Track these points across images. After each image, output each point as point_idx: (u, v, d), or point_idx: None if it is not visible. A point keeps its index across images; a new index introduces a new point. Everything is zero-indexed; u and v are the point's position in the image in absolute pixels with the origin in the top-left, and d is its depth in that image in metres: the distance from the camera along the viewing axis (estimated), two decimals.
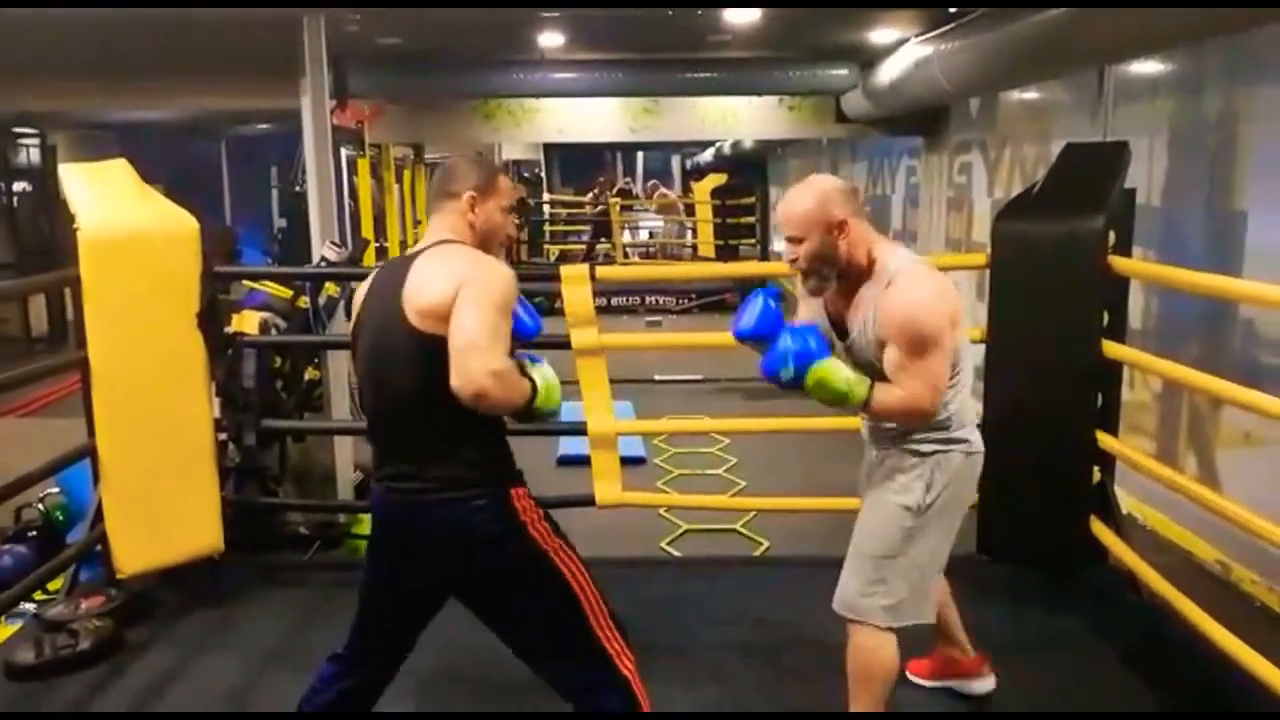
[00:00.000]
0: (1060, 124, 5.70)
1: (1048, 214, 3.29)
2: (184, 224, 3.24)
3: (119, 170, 3.23)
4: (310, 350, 4.15)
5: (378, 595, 2.05)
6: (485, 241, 2.01)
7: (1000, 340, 3.39)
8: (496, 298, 1.84)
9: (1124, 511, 3.40)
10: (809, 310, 2.31)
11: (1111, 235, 3.14)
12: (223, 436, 3.54)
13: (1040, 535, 3.35)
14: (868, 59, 6.92)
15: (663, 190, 16.64)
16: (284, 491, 4.06)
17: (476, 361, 1.76)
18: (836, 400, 2.10)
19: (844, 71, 7.22)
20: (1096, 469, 3.27)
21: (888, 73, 6.54)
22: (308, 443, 4.23)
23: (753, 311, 2.19)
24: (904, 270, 2.10)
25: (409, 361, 1.88)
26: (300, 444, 4.20)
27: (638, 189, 16.52)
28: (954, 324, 2.09)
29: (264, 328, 3.81)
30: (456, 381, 1.77)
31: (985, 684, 2.68)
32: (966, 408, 2.25)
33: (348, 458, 4.32)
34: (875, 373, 2.13)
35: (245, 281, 4.28)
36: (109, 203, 3.09)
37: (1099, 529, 3.23)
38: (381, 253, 8.57)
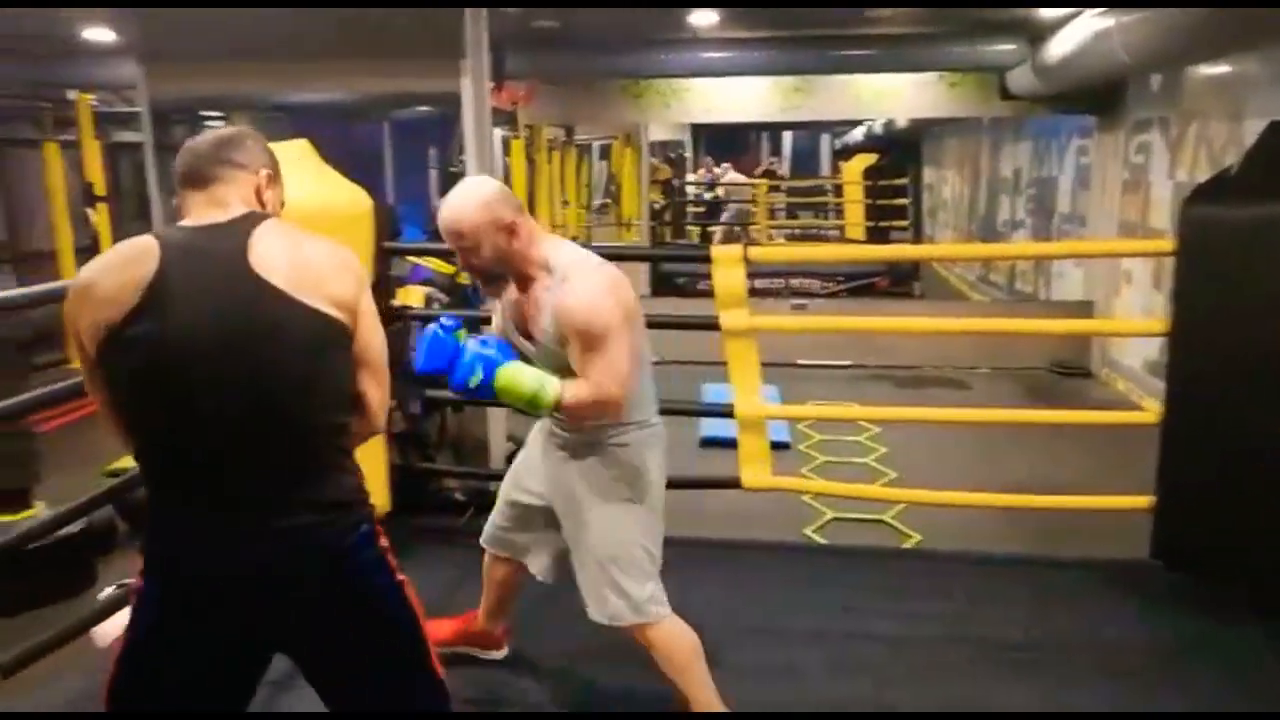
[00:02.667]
0: (1255, 101, 5.23)
1: (1245, 198, 3.04)
2: (360, 201, 3.40)
3: (301, 150, 3.41)
4: (470, 324, 4.30)
5: (184, 675, 1.60)
6: None
7: (1186, 332, 3.16)
8: None
9: None
10: (499, 321, 2.34)
11: None
12: (390, 404, 3.71)
13: (1230, 544, 3.12)
14: (1037, 32, 6.55)
15: (733, 173, 15.82)
16: (441, 459, 4.23)
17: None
18: (529, 401, 2.09)
19: (1011, 46, 6.85)
20: None
21: (1060, 47, 6.16)
22: (464, 413, 4.39)
23: (423, 348, 2.19)
24: (575, 266, 2.14)
25: (315, 358, 1.56)
26: (458, 414, 4.36)
27: (718, 170, 15.71)
28: (628, 316, 2.12)
29: (428, 302, 3.98)
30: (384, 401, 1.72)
31: (500, 654, 2.83)
32: (647, 392, 2.31)
33: (501, 429, 4.46)
34: (568, 373, 2.14)
35: (409, 257, 4.47)
36: (292, 180, 3.26)
37: None
38: None
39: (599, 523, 2.28)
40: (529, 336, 2.23)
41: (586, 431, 2.26)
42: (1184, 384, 3.18)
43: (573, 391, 2.09)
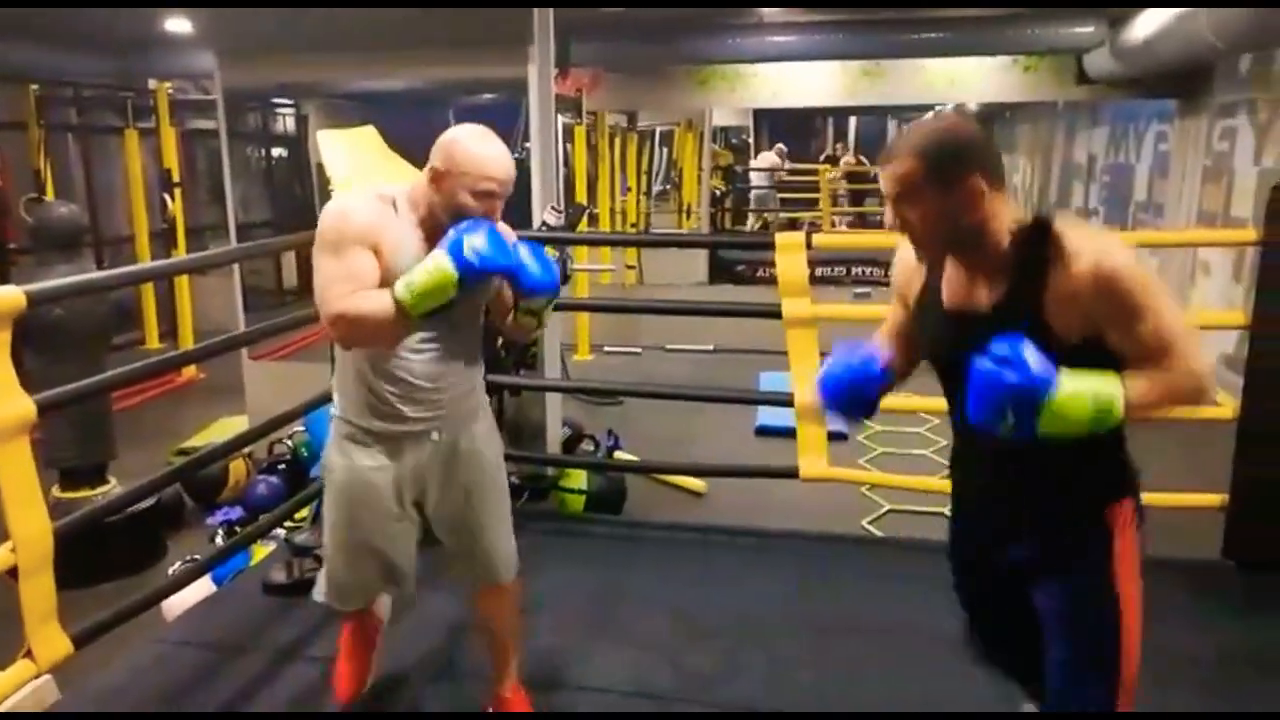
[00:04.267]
0: None
1: None
2: None
3: (368, 135, 3.47)
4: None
5: None
6: None
7: (1270, 325, 3.03)
8: None
9: None
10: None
11: None
12: None
13: None
14: (1118, 14, 6.33)
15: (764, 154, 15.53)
16: None
17: None
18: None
19: (1090, 29, 6.64)
20: None
21: (1143, 29, 5.95)
22: (522, 398, 4.42)
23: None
24: None
25: None
26: (516, 399, 4.39)
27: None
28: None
29: None
30: None
31: (386, 617, 2.60)
32: None
33: (557, 414, 4.48)
34: None
35: None
36: (360, 164, 3.33)
37: None
38: (593, 219, 8.77)
39: (496, 477, 2.25)
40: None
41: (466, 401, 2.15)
42: (1264, 379, 3.05)
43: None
